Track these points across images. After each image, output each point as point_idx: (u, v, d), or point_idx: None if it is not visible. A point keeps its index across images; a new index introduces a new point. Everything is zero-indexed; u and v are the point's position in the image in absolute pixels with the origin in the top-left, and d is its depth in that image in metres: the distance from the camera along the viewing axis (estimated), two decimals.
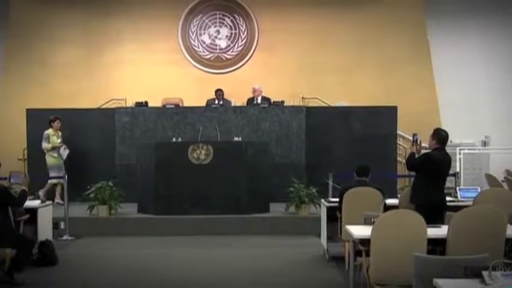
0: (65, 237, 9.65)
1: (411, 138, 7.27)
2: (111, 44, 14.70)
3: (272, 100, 12.73)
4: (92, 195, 10.32)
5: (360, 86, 14.31)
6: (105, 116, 12.59)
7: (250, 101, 12.90)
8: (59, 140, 11.71)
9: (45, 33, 14.68)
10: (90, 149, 12.36)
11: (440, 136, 6.96)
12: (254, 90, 12.92)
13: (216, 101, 12.99)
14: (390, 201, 7.96)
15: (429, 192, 6.81)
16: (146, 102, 12.55)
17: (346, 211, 7.44)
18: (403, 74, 14.38)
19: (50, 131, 11.67)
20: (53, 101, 13.65)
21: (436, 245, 5.57)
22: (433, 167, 6.82)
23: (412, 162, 6.98)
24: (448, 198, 7.31)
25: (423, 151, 7.15)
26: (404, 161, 7.83)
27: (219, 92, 13.13)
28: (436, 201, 6.81)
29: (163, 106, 12.81)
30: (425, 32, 14.51)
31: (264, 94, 12.94)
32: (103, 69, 14.60)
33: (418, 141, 7.08)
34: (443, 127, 7.85)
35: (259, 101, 12.81)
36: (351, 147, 12.27)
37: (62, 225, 9.70)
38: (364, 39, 14.53)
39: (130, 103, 13.16)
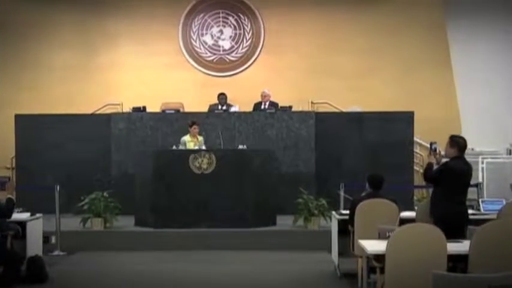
0: (56, 253, 9.60)
1: (429, 146, 7.20)
2: (106, 45, 14.72)
3: (279, 105, 12.70)
4: (85, 207, 10.32)
5: (374, 90, 14.28)
6: (100, 122, 12.60)
7: (257, 105, 12.87)
8: (197, 147, 11.14)
9: (37, 34, 14.68)
10: (83, 157, 12.33)
11: (460, 144, 6.86)
12: (264, 95, 12.92)
13: (219, 106, 12.96)
14: (406, 214, 7.89)
15: (449, 204, 6.72)
16: (144, 108, 12.54)
17: (358, 224, 7.39)
18: (420, 77, 14.33)
19: (186, 138, 11.31)
20: (45, 106, 13.68)
21: (457, 262, 5.53)
22: (454, 178, 6.72)
23: (431, 174, 6.86)
24: (470, 211, 7.24)
25: (443, 160, 7.07)
26: (421, 171, 7.77)
27: (221, 96, 13.12)
28: (457, 215, 6.71)
29: (163, 111, 12.83)
30: (445, 33, 14.46)
31: (271, 99, 12.92)
32: (98, 72, 14.61)
33: (437, 151, 7.00)
34: (465, 134, 7.81)
35: (266, 105, 12.79)
36: (364, 155, 12.24)
37: (53, 240, 9.63)
38: (378, 40, 14.50)
39: (127, 108, 13.16)
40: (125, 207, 10.66)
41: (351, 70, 14.41)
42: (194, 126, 11.28)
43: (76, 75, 14.53)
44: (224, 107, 12.94)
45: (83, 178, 12.01)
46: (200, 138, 11.32)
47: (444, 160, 7.03)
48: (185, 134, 11.37)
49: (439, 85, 14.31)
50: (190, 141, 11.23)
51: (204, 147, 11.02)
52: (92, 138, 12.47)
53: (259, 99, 13.01)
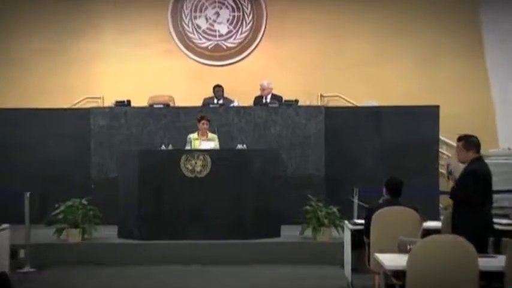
0: (25, 269, 9.56)
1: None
2: (86, 31, 14.70)
3: (283, 99, 12.67)
4: (60, 216, 10.26)
5: (393, 82, 14.31)
6: (78, 117, 12.56)
7: (258, 99, 12.86)
8: (203, 145, 10.93)
9: (7, 21, 14.64)
10: (59, 158, 12.33)
11: (476, 143, 6.83)
12: (263, 88, 12.89)
13: (215, 100, 12.91)
14: (431, 223, 7.98)
15: (477, 214, 6.60)
16: (129, 101, 12.55)
17: (375, 236, 7.38)
18: (447, 67, 14.34)
19: (193, 135, 11.20)
20: (17, 99, 13.75)
21: (491, 280, 5.50)
22: (480, 183, 6.64)
23: (466, 192, 6.66)
24: (504, 221, 7.16)
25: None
26: (447, 174, 7.66)
27: (217, 89, 13.10)
28: (485, 225, 6.61)
29: (150, 106, 12.83)
30: (476, 15, 14.38)
31: (274, 92, 12.87)
32: (76, 63, 14.63)
33: (453, 172, 6.93)
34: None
35: (268, 99, 12.73)
36: (381, 156, 12.24)
37: (22, 254, 9.63)
38: (397, 25, 14.49)
39: (109, 102, 13.13)
40: (107, 216, 10.64)
41: (365, 58, 14.38)
42: (203, 122, 11.18)
43: (51, 66, 14.54)
44: (221, 101, 12.89)
45: (58, 182, 11.99)
46: (212, 136, 11.22)
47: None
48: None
49: (470, 76, 14.28)
50: (196, 140, 11.19)
51: (210, 145, 10.92)
52: (68, 136, 12.45)
53: (260, 92, 12.96)
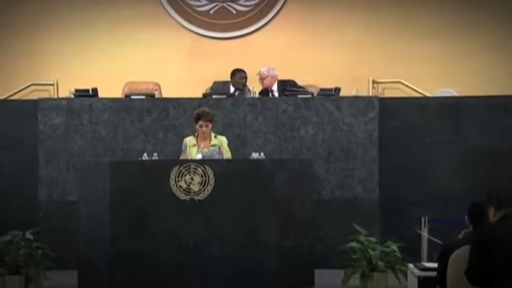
0: None
1: None
2: None
3: (315, 89, 12.76)
4: None
5: (479, 64, 14.42)
6: (20, 113, 12.60)
7: (264, 94, 12.91)
8: (200, 155, 10.94)
9: None
10: None
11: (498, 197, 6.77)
12: (262, 78, 13.02)
13: (232, 89, 12.87)
14: None
15: None
16: (95, 90, 12.57)
17: (454, 285, 7.23)
18: None
19: (189, 140, 11.22)
20: None
21: None
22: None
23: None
24: None
25: None
26: None
27: (239, 75, 13.17)
28: None
29: (127, 97, 12.89)
30: None
31: (285, 78, 13.06)
32: (16, 33, 14.75)
33: None
34: None
35: (275, 93, 12.84)
36: (462, 169, 12.16)
37: None
38: None
39: (65, 91, 13.23)
40: (62, 257, 10.74)
41: (440, 29, 14.46)
42: (201, 123, 11.06)
43: None
44: (237, 93, 12.85)
45: None
46: (218, 139, 11.22)
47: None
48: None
49: None
50: (193, 146, 11.19)
51: (219, 156, 10.99)
52: (5, 141, 12.47)
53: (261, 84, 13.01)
